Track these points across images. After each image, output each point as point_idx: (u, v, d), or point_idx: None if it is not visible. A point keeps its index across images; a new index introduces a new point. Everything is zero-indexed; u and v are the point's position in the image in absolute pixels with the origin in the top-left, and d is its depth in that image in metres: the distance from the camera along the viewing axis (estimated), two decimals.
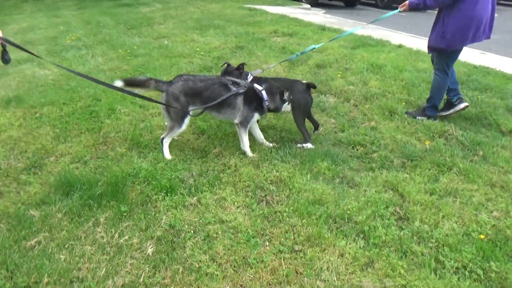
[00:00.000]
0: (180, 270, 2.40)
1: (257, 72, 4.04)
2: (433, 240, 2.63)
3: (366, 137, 4.06)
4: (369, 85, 5.47)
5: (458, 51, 4.17)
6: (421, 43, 7.77)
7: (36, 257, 2.49)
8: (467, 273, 2.37)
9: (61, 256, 2.50)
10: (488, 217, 2.87)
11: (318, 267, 2.44)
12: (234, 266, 2.45)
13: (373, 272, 2.39)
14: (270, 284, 2.33)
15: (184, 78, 3.59)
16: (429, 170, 3.48)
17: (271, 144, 3.93)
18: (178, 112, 3.55)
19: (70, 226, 2.76)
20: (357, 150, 3.88)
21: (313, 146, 3.89)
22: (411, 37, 9.05)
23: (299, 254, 2.55)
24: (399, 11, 4.27)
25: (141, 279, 2.33)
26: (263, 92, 3.65)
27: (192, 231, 2.73)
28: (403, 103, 4.88)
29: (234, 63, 6.44)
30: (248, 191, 3.21)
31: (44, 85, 5.59)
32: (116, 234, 2.69)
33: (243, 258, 2.51)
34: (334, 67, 6.22)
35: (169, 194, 3.09)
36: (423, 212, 2.92)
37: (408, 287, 2.28)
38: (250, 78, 3.93)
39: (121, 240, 2.64)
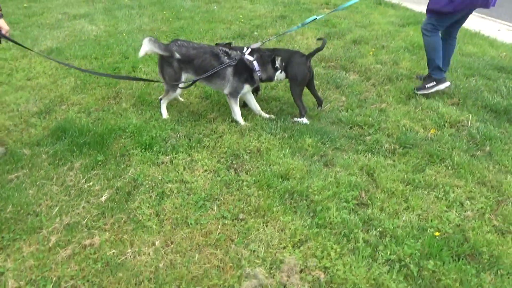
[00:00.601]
0: (123, 220, 2.57)
1: (257, 45, 3.96)
2: (381, 229, 2.50)
3: (370, 118, 3.85)
4: (399, 65, 5.12)
5: (454, 17, 3.99)
6: (485, 26, 7.03)
7: (10, 189, 2.80)
8: (398, 266, 2.24)
9: (30, 191, 2.79)
10: (457, 216, 2.64)
11: (252, 237, 2.46)
12: (173, 224, 2.55)
13: (302, 251, 2.36)
14: (198, 245, 2.40)
15: (178, 44, 3.64)
16: (418, 159, 3.25)
17: (267, 115, 3.91)
18: (171, 76, 3.65)
19: (48, 167, 3.05)
20: (353, 131, 3.71)
21: (308, 122, 3.80)
22: (477, 18, 8.16)
23: (240, 222, 2.58)
24: None
25: (85, 221, 2.54)
26: (255, 63, 3.61)
27: (150, 186, 2.87)
28: None
29: (271, 32, 6.40)
30: (222, 157, 3.26)
31: (85, 40, 6.00)
32: (83, 180, 2.93)
33: (185, 217, 2.60)
34: (370, 44, 5.87)
35: (145, 151, 3.25)
36: (388, 201, 2.77)
37: (329, 270, 2.22)
38: (247, 51, 3.84)
39: (85, 186, 2.87)
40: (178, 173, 3.03)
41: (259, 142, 3.44)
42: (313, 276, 2.19)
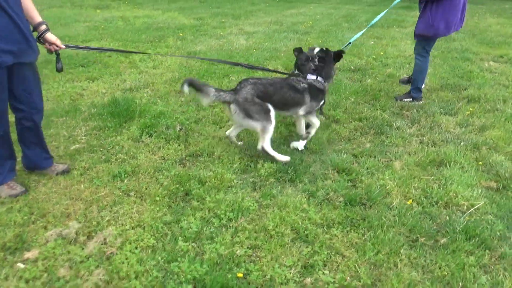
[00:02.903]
0: (67, 164, 3.37)
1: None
2: (203, 249, 2.46)
3: (361, 169, 3.41)
4: (484, 133, 4.10)
5: (436, 38, 4.64)
6: None
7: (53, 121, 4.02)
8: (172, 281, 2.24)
9: (60, 129, 3.92)
10: (289, 274, 2.29)
11: (115, 208, 2.83)
12: (86, 178, 3.18)
13: (128, 232, 2.59)
14: (80, 197, 2.95)
15: (251, 82, 3.46)
16: (341, 217, 2.80)
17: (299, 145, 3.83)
18: (260, 112, 3.39)
19: (78, 120, 4.16)
20: (327, 173, 3.39)
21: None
22: None
23: (123, 197, 2.97)
24: None
25: (61, 150, 3.47)
26: (319, 78, 3.69)
27: (107, 151, 3.58)
28: (478, 164, 3.55)
29: (387, 72, 6.04)
30: (186, 153, 3.62)
31: (224, 50, 7.16)
32: (84, 133, 3.90)
33: (97, 178, 3.19)
34: (483, 104, 4.82)
35: (139, 129, 3.96)
36: (246, 232, 2.61)
37: (120, 253, 2.41)
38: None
39: (81, 137, 3.82)
40: (138, 151, 3.61)
41: (227, 151, 3.64)
42: (103, 249, 2.45)
